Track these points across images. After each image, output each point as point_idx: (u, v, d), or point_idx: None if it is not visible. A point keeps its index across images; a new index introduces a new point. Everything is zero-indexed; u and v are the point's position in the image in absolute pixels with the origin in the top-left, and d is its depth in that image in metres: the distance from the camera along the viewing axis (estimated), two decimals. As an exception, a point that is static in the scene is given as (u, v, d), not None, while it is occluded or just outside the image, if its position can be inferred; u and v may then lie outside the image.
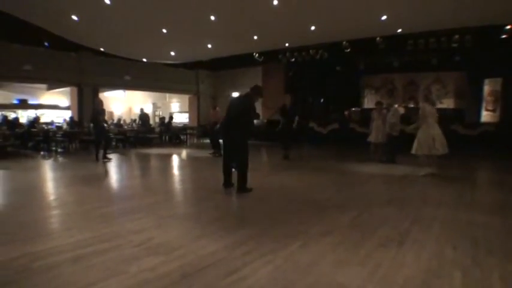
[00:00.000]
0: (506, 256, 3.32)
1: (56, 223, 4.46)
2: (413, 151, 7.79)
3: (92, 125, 10.96)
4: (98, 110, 10.28)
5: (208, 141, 11.48)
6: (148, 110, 25.12)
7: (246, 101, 6.19)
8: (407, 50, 14.07)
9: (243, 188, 6.01)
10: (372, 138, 10.29)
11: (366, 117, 15.93)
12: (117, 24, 11.71)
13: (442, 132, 7.69)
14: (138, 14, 10.62)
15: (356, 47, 14.52)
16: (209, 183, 7.20)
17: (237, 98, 6.67)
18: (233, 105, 6.27)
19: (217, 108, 12.61)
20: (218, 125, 8.42)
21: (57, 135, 13.35)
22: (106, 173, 8.64)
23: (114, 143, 14.94)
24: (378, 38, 13.69)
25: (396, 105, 16.24)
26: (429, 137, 7.55)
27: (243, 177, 6.02)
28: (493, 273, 2.95)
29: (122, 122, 18.66)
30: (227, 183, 6.31)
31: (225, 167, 6.33)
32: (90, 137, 13.29)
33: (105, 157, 10.11)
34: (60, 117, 19.79)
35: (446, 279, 2.84)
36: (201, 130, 19.61)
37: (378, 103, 10.76)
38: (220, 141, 11.00)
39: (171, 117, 19.46)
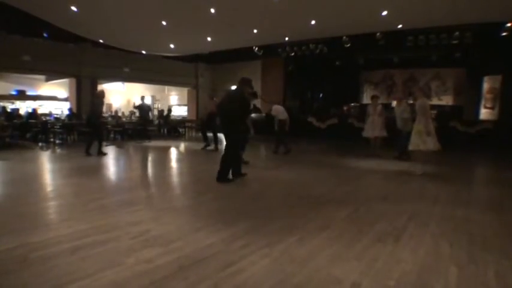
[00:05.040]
0: (502, 252, 3.34)
1: (53, 214, 4.46)
2: (410, 147, 7.73)
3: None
4: (96, 108, 9.80)
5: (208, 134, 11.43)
6: (147, 102, 25.04)
7: (235, 94, 6.44)
8: (407, 46, 14.02)
9: (223, 177, 6.27)
10: (368, 133, 10.27)
11: (364, 112, 15.96)
12: (116, 15, 11.63)
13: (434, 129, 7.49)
14: (138, 5, 10.55)
15: (356, 42, 14.46)
16: (207, 176, 7.21)
17: (229, 91, 6.85)
18: (225, 99, 6.52)
19: (215, 98, 12.36)
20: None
21: (56, 127, 13.32)
22: (104, 165, 8.63)
23: (112, 135, 14.93)
24: (378, 34, 13.65)
25: (395, 101, 16.25)
26: (425, 133, 7.34)
27: (225, 167, 6.31)
28: (489, 269, 2.97)
29: (120, 114, 18.61)
30: (235, 173, 6.53)
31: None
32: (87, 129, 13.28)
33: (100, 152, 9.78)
34: (58, 108, 19.73)
35: (442, 274, 2.86)
36: (199, 123, 19.56)
37: (374, 97, 10.68)
38: (210, 134, 11.21)
39: (169, 110, 19.42)
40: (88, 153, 9.59)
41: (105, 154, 9.81)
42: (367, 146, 10.56)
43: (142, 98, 14.86)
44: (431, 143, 7.34)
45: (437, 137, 7.46)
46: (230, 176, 6.46)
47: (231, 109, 6.29)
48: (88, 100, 16.12)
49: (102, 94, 10.14)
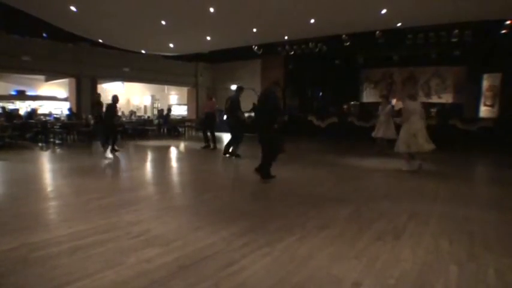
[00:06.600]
0: (502, 251, 3.34)
1: (53, 214, 4.46)
2: (395, 149, 7.76)
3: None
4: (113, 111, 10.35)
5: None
6: (147, 102, 25.02)
7: (269, 96, 6.50)
8: (407, 44, 14.01)
9: (265, 175, 6.38)
10: (374, 132, 10.30)
11: (364, 111, 15.95)
12: (115, 15, 11.62)
13: (425, 128, 7.55)
14: (137, 5, 10.55)
15: (355, 40, 14.45)
16: (207, 176, 7.22)
17: (264, 93, 6.90)
18: (260, 100, 6.67)
19: (213, 99, 12.29)
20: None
21: (55, 127, 13.31)
22: (104, 164, 8.63)
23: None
24: (377, 32, 13.63)
25: (394, 100, 16.28)
26: (410, 135, 7.41)
27: (265, 166, 6.38)
28: (489, 267, 2.97)
29: (120, 114, 18.56)
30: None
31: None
32: (88, 128, 13.31)
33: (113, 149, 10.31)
34: (58, 108, 19.71)
35: (442, 273, 2.86)
36: (199, 122, 19.55)
37: (381, 97, 10.63)
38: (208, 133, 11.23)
39: (169, 110, 19.40)
40: (114, 149, 10.19)
41: (104, 151, 10.11)
42: (372, 144, 10.57)
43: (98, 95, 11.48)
44: (418, 145, 7.36)
45: (429, 136, 7.51)
46: (271, 173, 6.51)
47: (267, 112, 6.38)
48: (88, 100, 16.18)
49: (116, 99, 10.44)
